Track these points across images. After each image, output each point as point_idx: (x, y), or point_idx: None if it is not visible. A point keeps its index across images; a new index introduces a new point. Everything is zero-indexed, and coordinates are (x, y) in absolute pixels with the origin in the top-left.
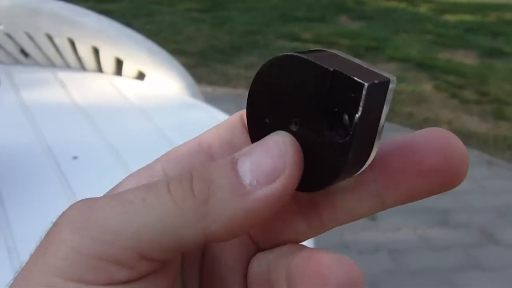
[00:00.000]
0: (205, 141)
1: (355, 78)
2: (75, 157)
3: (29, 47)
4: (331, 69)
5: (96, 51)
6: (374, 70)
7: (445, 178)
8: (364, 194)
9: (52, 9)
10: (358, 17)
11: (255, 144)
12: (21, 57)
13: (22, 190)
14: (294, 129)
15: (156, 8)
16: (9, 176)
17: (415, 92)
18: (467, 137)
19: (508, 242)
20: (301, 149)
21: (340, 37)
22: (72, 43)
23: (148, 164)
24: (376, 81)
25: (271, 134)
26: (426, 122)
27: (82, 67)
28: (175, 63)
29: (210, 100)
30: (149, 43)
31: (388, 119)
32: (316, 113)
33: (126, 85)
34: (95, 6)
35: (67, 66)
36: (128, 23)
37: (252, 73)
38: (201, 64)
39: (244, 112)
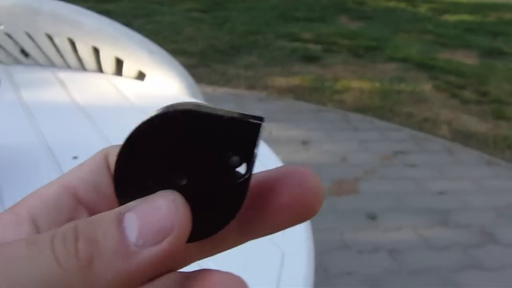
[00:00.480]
0: (70, 185)
1: (251, 121)
2: (75, 157)
3: (29, 47)
4: (227, 116)
5: (96, 51)
6: (246, 113)
7: (300, 213)
8: (228, 229)
9: (52, 9)
10: (358, 17)
11: (143, 200)
12: (21, 57)
13: (22, 190)
14: (183, 183)
15: (156, 8)
16: (9, 176)
17: (415, 92)
18: (467, 137)
19: (508, 242)
20: (189, 207)
21: (340, 37)
22: (72, 43)
23: (12, 208)
24: (262, 121)
25: (161, 192)
26: (426, 122)
27: (82, 67)
28: (175, 63)
29: (210, 100)
30: (149, 43)
31: (387, 118)
32: (209, 161)
33: (126, 85)
34: (95, 6)
35: (67, 66)
36: (128, 23)
37: (252, 73)
38: (201, 64)
39: (107, 152)
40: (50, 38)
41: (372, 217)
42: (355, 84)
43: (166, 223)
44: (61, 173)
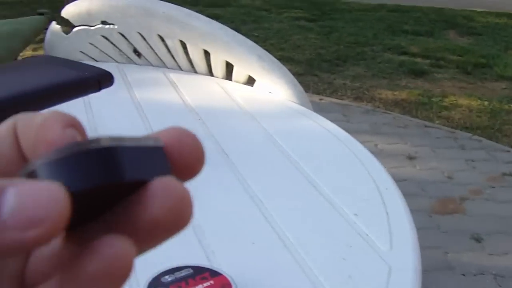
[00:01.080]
0: None
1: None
2: None
3: (142, 47)
4: (161, 146)
5: (207, 54)
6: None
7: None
8: None
9: (166, 11)
10: (467, 33)
11: (30, 181)
12: (134, 57)
13: None
14: None
15: (263, 14)
16: None
17: None
18: None
19: None
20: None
21: (448, 53)
22: (183, 46)
23: None
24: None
25: (47, 182)
26: None
27: (193, 70)
28: (284, 70)
29: (317, 109)
30: (259, 49)
31: (496, 138)
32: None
33: (235, 89)
34: (204, 10)
35: (178, 68)
36: (236, 29)
37: (358, 85)
38: (308, 73)
39: (15, 121)
40: (162, 39)
41: (477, 239)
42: (463, 101)
43: (40, 212)
44: None
